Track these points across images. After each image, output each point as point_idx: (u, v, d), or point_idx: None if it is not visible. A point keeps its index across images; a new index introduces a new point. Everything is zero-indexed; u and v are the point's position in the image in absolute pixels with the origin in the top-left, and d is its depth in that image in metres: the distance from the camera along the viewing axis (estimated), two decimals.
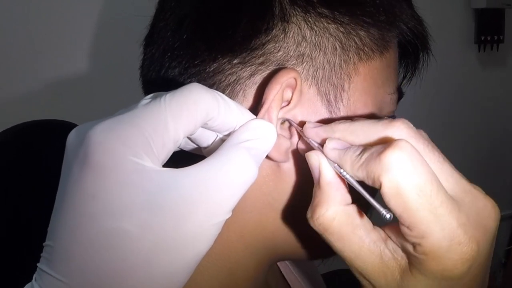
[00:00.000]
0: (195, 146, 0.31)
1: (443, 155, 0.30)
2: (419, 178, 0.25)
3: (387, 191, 0.26)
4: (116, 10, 1.01)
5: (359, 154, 0.28)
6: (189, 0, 0.36)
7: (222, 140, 0.29)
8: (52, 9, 1.00)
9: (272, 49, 0.33)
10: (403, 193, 0.25)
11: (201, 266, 0.37)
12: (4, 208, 0.49)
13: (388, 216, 0.26)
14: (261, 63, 0.33)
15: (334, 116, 0.34)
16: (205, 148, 0.31)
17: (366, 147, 0.28)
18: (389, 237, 0.29)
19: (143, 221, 0.25)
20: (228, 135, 0.30)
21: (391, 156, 0.26)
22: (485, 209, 0.27)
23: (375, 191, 0.28)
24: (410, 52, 0.41)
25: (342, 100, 0.34)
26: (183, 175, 0.26)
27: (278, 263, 0.54)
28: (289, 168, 0.35)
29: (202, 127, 0.28)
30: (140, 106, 0.27)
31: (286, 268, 0.54)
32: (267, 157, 0.32)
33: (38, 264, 0.26)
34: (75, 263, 0.25)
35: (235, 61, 0.33)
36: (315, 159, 0.30)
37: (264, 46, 0.33)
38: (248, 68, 0.33)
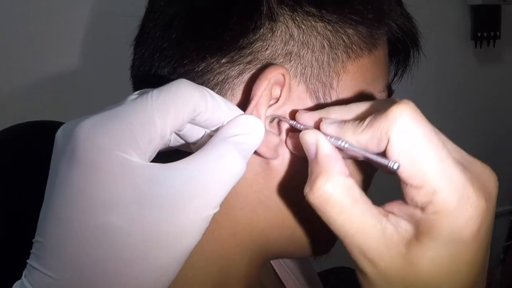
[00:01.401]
0: (184, 142, 0.32)
1: None
2: (426, 128, 0.26)
3: (396, 143, 0.26)
4: (109, 11, 1.01)
5: (360, 121, 0.28)
6: (178, 0, 0.36)
7: (211, 136, 0.30)
8: (44, 9, 1.00)
9: (260, 48, 0.33)
10: (412, 142, 0.26)
11: (193, 264, 0.37)
12: (4, 208, 0.49)
13: (395, 166, 0.26)
14: (249, 62, 0.33)
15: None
16: (193, 144, 0.31)
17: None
18: (390, 212, 0.28)
19: (131, 216, 0.25)
20: (216, 130, 0.30)
21: (398, 109, 0.26)
22: (485, 174, 0.28)
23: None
24: (400, 49, 0.41)
25: (331, 98, 0.35)
26: (171, 170, 0.26)
27: (271, 262, 0.54)
28: (279, 165, 0.35)
29: (190, 123, 0.29)
30: (127, 102, 0.27)
31: (279, 266, 0.54)
32: (257, 153, 0.33)
33: (28, 260, 0.26)
34: (64, 258, 0.25)
35: (223, 61, 0.33)
36: (311, 135, 0.29)
37: (252, 45, 0.33)
38: (236, 67, 0.33)
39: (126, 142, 0.25)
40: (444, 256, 0.27)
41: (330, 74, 0.34)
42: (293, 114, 0.33)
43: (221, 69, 0.34)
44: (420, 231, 0.27)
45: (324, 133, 0.29)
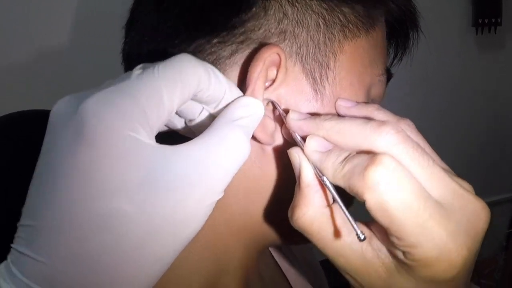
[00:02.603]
0: (175, 122, 0.31)
1: (434, 156, 0.29)
2: (405, 194, 0.25)
3: (372, 207, 0.25)
4: None
5: (341, 162, 0.27)
6: None
7: (210, 114, 0.29)
8: None
9: (253, 27, 0.32)
10: (388, 209, 0.25)
11: (188, 253, 0.36)
12: (4, 208, 0.48)
13: (362, 237, 0.26)
14: (242, 42, 0.32)
15: (319, 95, 0.33)
16: (190, 120, 0.30)
17: (350, 153, 0.27)
18: (375, 234, 0.29)
19: (140, 201, 0.24)
20: (214, 108, 0.29)
21: (375, 174, 0.25)
22: (475, 213, 0.27)
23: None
24: (399, 30, 0.40)
25: (327, 78, 0.34)
26: (182, 153, 0.25)
27: (271, 250, 0.53)
28: (274, 151, 0.34)
29: (191, 98, 0.28)
30: (133, 77, 0.26)
31: (279, 254, 0.53)
32: (253, 139, 0.32)
33: (12, 245, 0.25)
34: (64, 245, 0.24)
35: (214, 41, 0.33)
36: (296, 157, 0.30)
37: (244, 25, 0.32)
38: (228, 47, 0.33)
39: (135, 119, 0.24)
40: None
41: (327, 54, 0.33)
42: (287, 110, 0.32)
43: (213, 49, 0.33)
44: (400, 266, 0.27)
45: (308, 157, 0.29)
